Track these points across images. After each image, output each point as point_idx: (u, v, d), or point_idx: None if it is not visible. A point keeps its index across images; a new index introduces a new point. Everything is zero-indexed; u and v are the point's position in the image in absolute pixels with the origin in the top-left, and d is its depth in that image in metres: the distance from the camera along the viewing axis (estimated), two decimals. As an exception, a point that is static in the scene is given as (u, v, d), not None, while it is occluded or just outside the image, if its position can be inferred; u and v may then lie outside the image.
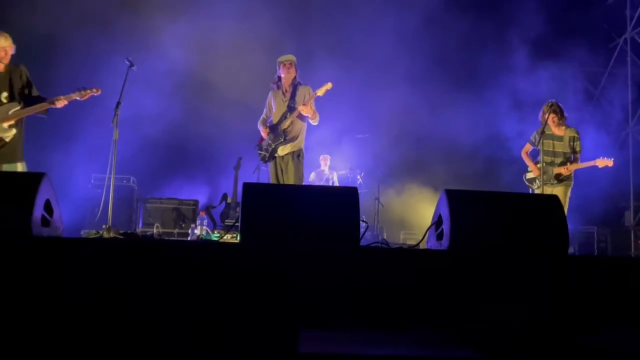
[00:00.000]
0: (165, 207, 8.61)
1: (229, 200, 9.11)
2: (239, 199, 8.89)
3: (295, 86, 6.52)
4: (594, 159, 6.76)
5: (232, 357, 2.82)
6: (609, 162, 6.67)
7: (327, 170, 9.90)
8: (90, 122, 8.23)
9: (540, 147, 6.58)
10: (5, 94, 5.42)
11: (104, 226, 5.75)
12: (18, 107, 5.45)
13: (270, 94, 6.74)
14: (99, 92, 5.76)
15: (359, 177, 9.82)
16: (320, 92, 6.37)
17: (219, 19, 9.58)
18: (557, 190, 6.58)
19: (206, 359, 2.81)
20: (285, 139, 6.44)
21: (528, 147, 6.95)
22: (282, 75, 6.53)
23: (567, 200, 6.65)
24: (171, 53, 9.46)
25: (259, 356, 2.80)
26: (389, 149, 9.58)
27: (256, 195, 3.80)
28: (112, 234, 5.51)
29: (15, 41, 5.50)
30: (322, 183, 9.66)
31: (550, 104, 6.70)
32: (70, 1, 9.10)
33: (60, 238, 3.85)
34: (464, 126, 9.70)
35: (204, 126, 9.68)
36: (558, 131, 6.74)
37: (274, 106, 6.61)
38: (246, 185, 3.80)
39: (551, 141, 6.71)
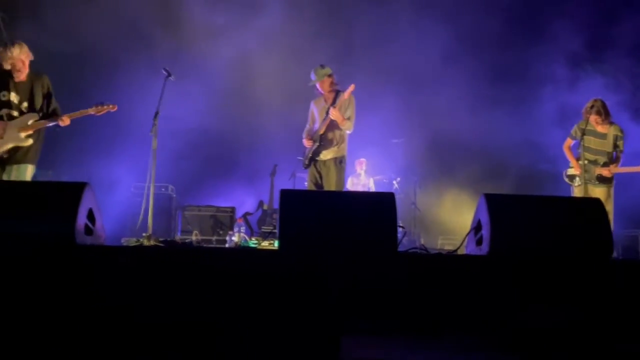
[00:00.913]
0: (203, 214, 8.71)
1: (265, 207, 9.17)
2: (275, 206, 8.95)
3: (336, 92, 6.51)
4: (635, 160, 6.55)
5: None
6: None
7: (363, 174, 9.87)
8: (129, 131, 8.39)
9: (582, 142, 6.40)
10: (25, 104, 5.44)
11: (144, 234, 5.84)
12: (37, 118, 5.45)
13: (312, 103, 6.75)
14: (115, 109, 5.77)
15: (395, 182, 9.77)
16: (345, 95, 6.34)
17: (254, 28, 9.67)
18: (599, 191, 6.37)
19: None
20: (320, 144, 6.45)
21: (569, 142, 6.73)
22: (319, 88, 6.57)
23: (611, 201, 6.42)
24: (207, 62, 9.58)
25: (300, 363, 2.80)
26: (425, 153, 9.51)
27: (293, 202, 3.81)
28: (152, 242, 5.59)
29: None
30: (358, 188, 9.63)
31: (593, 102, 6.45)
32: (113, 16, 9.30)
33: (103, 246, 3.93)
34: (503, 130, 9.55)
35: (240, 134, 9.78)
36: (601, 129, 6.49)
37: (317, 114, 6.64)
38: (283, 192, 3.81)
39: (593, 138, 6.48)
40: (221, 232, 8.35)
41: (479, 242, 3.87)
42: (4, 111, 5.34)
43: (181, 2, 9.78)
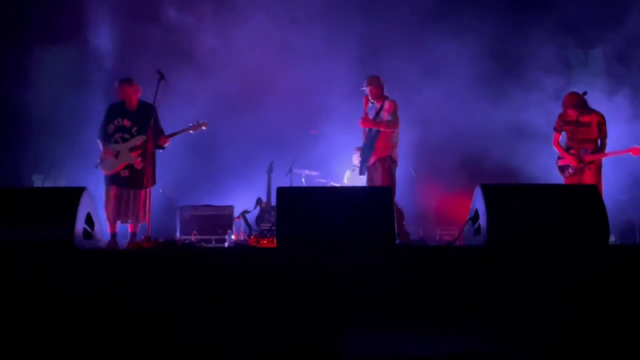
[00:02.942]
0: (202, 214, 8.70)
1: (263, 204, 9.17)
2: (273, 203, 8.95)
3: (383, 100, 6.93)
4: (632, 144, 6.67)
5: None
6: None
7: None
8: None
9: (566, 133, 6.69)
10: (135, 128, 6.31)
11: (143, 236, 5.86)
12: (144, 140, 6.24)
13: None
14: (207, 126, 6.68)
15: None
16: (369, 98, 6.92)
17: (246, 25, 9.63)
18: (587, 176, 6.57)
19: (250, 363, 2.85)
20: (364, 149, 6.98)
21: (557, 136, 6.91)
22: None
23: (601, 187, 6.55)
24: (200, 60, 9.56)
25: (302, 358, 2.82)
26: (421, 145, 9.48)
27: (290, 199, 3.83)
28: (152, 244, 5.61)
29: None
30: (356, 182, 9.63)
31: (569, 97, 6.72)
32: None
33: (102, 249, 3.95)
34: (500, 120, 9.55)
35: (235, 131, 9.73)
36: (583, 118, 6.65)
37: None
38: (280, 190, 3.83)
39: (578, 128, 6.64)
40: (220, 231, 8.33)
41: (476, 233, 3.89)
42: (118, 135, 6.30)
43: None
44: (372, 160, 6.85)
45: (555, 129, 6.90)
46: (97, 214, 4.01)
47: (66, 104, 9.37)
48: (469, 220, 4.03)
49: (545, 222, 3.71)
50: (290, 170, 9.26)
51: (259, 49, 9.56)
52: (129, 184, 6.23)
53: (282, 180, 9.11)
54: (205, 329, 3.01)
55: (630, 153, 6.69)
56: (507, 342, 2.91)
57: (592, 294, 3.21)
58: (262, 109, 9.55)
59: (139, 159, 6.22)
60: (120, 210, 6.22)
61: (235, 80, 9.64)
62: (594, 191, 3.91)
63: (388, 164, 6.81)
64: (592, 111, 6.71)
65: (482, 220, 3.75)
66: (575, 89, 7.06)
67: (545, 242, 3.57)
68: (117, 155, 6.24)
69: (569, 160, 6.72)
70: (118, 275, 3.19)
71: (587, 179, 6.52)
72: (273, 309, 3.09)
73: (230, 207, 8.85)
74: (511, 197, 3.88)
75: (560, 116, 6.82)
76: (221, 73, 9.55)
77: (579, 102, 6.60)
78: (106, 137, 6.30)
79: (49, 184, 8.97)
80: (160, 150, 6.49)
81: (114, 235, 6.23)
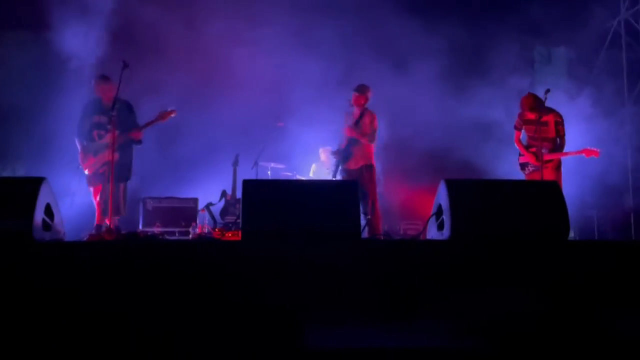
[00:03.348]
0: (165, 206, 8.59)
1: (228, 197, 9.10)
2: (239, 196, 8.88)
3: (364, 109, 7.26)
4: (591, 144, 6.84)
5: (240, 356, 2.83)
6: (595, 153, 6.83)
7: (327, 162, 9.88)
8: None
9: (526, 133, 6.89)
10: (109, 125, 6.33)
11: (104, 228, 5.76)
12: (119, 134, 6.32)
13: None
14: (175, 114, 6.74)
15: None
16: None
17: (220, 21, 9.53)
18: (546, 174, 6.69)
19: (214, 357, 2.82)
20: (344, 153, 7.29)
21: (517, 134, 7.07)
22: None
23: (560, 182, 6.70)
24: (165, 52, 9.43)
25: (266, 354, 2.81)
26: (386, 140, 9.53)
27: (256, 192, 3.81)
28: (113, 236, 5.52)
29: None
30: (322, 176, 9.62)
31: (525, 98, 6.84)
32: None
33: (62, 242, 3.86)
34: (464, 114, 9.66)
35: (200, 123, 9.63)
36: (541, 117, 6.77)
37: None
38: (246, 182, 3.80)
39: (536, 126, 6.76)
40: (184, 224, 8.24)
41: (440, 227, 3.93)
42: (95, 132, 6.47)
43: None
44: (356, 164, 7.19)
45: (515, 127, 7.06)
46: (58, 205, 3.92)
47: (26, 94, 9.17)
48: (432, 214, 4.07)
49: (507, 217, 3.77)
50: (256, 163, 9.20)
51: (226, 41, 9.47)
52: (107, 179, 6.29)
53: (247, 173, 9.05)
54: (166, 322, 2.97)
55: (583, 154, 6.88)
56: (469, 336, 2.94)
57: (552, 289, 3.27)
58: (228, 101, 9.47)
59: (117, 154, 6.26)
60: (105, 206, 6.35)
61: (201, 72, 9.55)
62: (555, 187, 3.99)
63: (373, 171, 7.25)
64: (550, 110, 6.82)
65: (446, 215, 3.79)
66: (539, 86, 7.20)
67: (507, 237, 3.63)
68: (95, 153, 6.41)
69: (528, 158, 6.89)
70: (78, 268, 3.13)
71: (546, 176, 6.66)
72: (237, 302, 3.07)
73: (195, 200, 8.76)
74: (474, 192, 3.93)
75: (520, 115, 6.97)
76: (187, 65, 9.45)
77: (535, 104, 6.73)
78: (83, 134, 6.42)
79: (6, 174, 8.76)
80: (138, 145, 6.69)
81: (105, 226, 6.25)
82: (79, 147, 6.49)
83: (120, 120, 6.36)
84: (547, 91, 6.78)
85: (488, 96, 9.65)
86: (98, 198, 6.44)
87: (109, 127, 6.30)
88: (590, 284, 3.31)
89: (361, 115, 7.22)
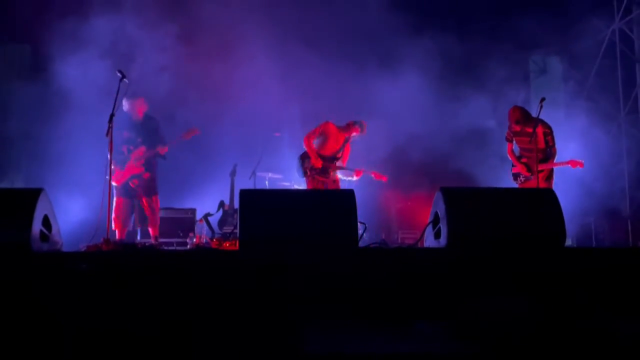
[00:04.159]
0: (163, 216, 8.58)
1: (225, 207, 9.10)
2: (236, 206, 8.88)
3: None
4: (586, 152, 6.92)
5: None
6: (580, 164, 6.98)
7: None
8: (85, 135, 8.24)
9: (517, 144, 6.97)
10: (140, 139, 6.78)
11: (102, 239, 5.75)
12: (147, 150, 6.76)
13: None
14: (199, 132, 7.15)
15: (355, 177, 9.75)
16: None
17: (212, 36, 9.57)
18: (546, 185, 6.75)
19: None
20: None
21: (510, 146, 7.18)
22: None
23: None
24: (163, 59, 9.45)
25: (265, 359, 2.81)
26: (383, 149, 9.56)
27: (253, 201, 3.82)
28: (111, 246, 5.51)
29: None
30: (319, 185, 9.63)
31: (512, 111, 6.90)
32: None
33: (60, 252, 3.87)
34: (459, 123, 9.70)
35: (198, 134, 9.66)
36: (529, 129, 6.76)
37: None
38: (243, 192, 3.82)
39: (525, 138, 6.81)
40: (181, 234, 8.24)
41: (437, 235, 3.94)
42: (125, 147, 6.71)
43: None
44: (356, 177, 7.68)
45: (507, 139, 7.16)
46: (55, 216, 3.92)
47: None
48: (429, 222, 4.08)
49: (504, 224, 3.78)
50: (253, 173, 9.21)
51: (222, 51, 9.50)
52: (139, 193, 6.82)
53: (245, 183, 9.06)
54: (165, 330, 2.97)
55: (569, 165, 7.01)
56: (466, 342, 2.95)
57: (549, 295, 3.28)
58: (226, 112, 9.50)
59: (144, 168, 6.77)
60: (133, 218, 6.95)
61: (199, 84, 9.57)
62: (551, 195, 4.01)
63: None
64: (538, 122, 6.73)
65: (443, 223, 3.80)
66: (534, 96, 7.24)
67: (503, 244, 3.64)
68: (123, 166, 6.69)
69: (520, 169, 6.99)
70: (75, 278, 3.13)
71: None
72: (235, 310, 3.07)
73: (193, 210, 8.76)
74: (471, 200, 3.95)
75: (509, 127, 7.04)
76: (184, 75, 9.47)
77: (520, 117, 6.79)
78: (115, 149, 6.41)
79: (5, 185, 8.76)
80: (164, 159, 6.98)
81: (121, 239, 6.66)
82: (109, 159, 6.39)
83: (147, 135, 6.79)
84: (542, 100, 6.81)
85: (484, 106, 9.69)
86: (123, 211, 6.78)
87: (138, 140, 6.74)
88: (587, 290, 3.32)
89: (346, 141, 7.63)
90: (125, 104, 6.80)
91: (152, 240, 6.91)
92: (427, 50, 9.62)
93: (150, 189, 6.91)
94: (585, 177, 8.85)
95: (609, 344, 2.94)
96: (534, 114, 6.73)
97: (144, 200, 6.91)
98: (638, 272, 3.43)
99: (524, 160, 6.95)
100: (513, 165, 7.15)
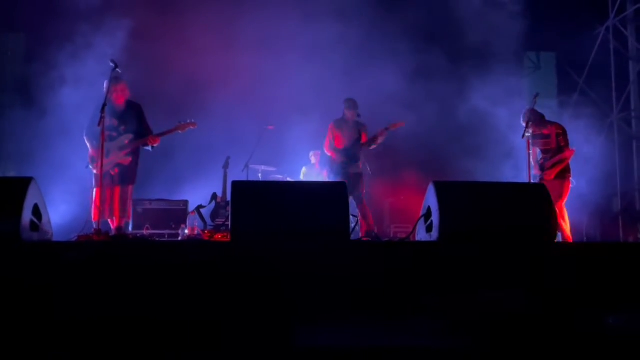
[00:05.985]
0: (155, 208, 8.55)
1: (218, 199, 9.08)
2: (229, 198, 8.85)
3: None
4: (578, 148, 7.01)
5: (230, 355, 2.82)
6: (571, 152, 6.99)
7: (317, 165, 9.88)
8: (76, 125, 8.19)
9: (533, 146, 6.99)
10: (123, 127, 6.48)
11: (93, 229, 5.73)
12: (131, 138, 6.48)
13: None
14: (195, 126, 6.93)
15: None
16: None
17: (206, 30, 9.53)
18: (556, 183, 6.79)
19: (205, 357, 2.82)
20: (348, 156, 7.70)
21: (534, 150, 7.20)
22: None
23: (566, 192, 6.88)
24: (155, 52, 9.41)
25: (256, 352, 2.81)
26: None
27: (245, 194, 3.81)
28: (102, 237, 5.50)
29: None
30: (312, 178, 9.63)
31: (527, 114, 6.94)
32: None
33: (49, 242, 3.85)
34: (453, 117, 9.71)
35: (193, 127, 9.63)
36: (544, 130, 6.98)
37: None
38: (235, 184, 3.80)
39: (540, 140, 6.97)
40: (174, 226, 8.22)
41: (429, 229, 3.95)
42: (107, 134, 6.23)
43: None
44: (357, 170, 7.69)
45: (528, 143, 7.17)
46: (46, 206, 3.90)
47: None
48: (422, 216, 4.08)
49: (495, 218, 3.79)
50: (246, 166, 9.20)
51: (214, 44, 9.47)
52: (117, 181, 6.43)
53: (238, 175, 9.04)
54: (155, 322, 2.96)
55: (566, 157, 6.99)
56: (457, 336, 2.96)
57: (540, 289, 3.29)
58: (219, 104, 9.47)
59: (130, 157, 6.47)
60: (109, 207, 6.41)
61: (192, 76, 9.54)
62: (543, 190, 4.02)
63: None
64: (552, 123, 7.01)
65: (435, 217, 3.80)
66: (528, 92, 7.27)
67: (495, 238, 3.65)
68: (106, 154, 6.26)
69: (536, 170, 7.06)
70: (65, 268, 3.11)
71: (550, 186, 6.70)
72: (226, 302, 3.07)
73: (185, 202, 8.73)
74: (463, 194, 3.96)
75: (525, 129, 6.98)
76: (178, 69, 9.44)
77: (535, 119, 6.88)
78: (94, 135, 6.27)
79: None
80: (150, 149, 6.68)
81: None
82: (89, 147, 6.43)
83: (130, 122, 6.50)
84: (536, 95, 6.94)
85: (478, 101, 9.69)
86: (100, 198, 6.26)
87: (121, 129, 6.44)
88: (577, 285, 3.34)
89: (361, 127, 7.73)
90: (106, 86, 6.38)
91: (114, 232, 6.37)
92: (420, 44, 9.62)
93: (127, 177, 6.51)
94: (576, 172, 8.89)
95: (598, 337, 2.95)
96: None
97: (117, 188, 6.46)
98: (627, 267, 3.45)
99: (540, 161, 7.05)
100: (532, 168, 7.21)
